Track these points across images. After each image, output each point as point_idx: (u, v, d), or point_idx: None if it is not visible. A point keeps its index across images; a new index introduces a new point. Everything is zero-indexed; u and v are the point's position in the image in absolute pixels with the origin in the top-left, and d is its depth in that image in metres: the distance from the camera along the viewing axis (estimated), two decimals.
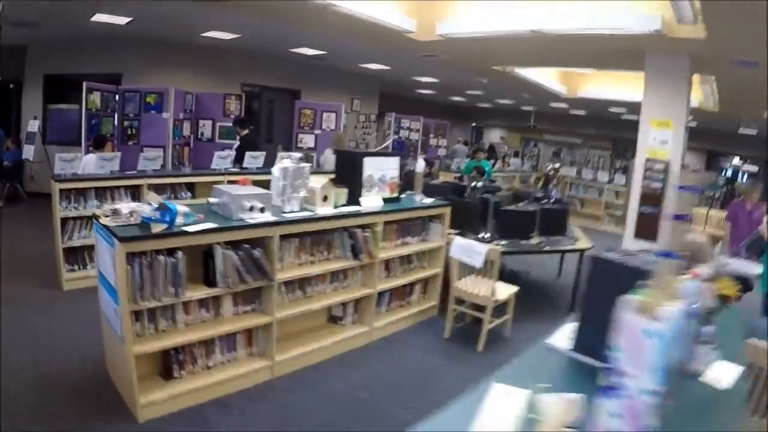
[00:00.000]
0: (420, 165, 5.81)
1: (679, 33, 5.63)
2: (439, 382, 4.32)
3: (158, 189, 6.23)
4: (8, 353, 4.07)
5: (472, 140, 18.92)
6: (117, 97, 8.06)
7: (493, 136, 20.01)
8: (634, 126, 15.40)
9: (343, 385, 4.14)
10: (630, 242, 6.86)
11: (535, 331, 5.41)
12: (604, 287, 1.87)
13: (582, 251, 6.13)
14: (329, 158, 8.03)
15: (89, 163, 6.15)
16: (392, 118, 11.56)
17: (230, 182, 6.52)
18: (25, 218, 8.69)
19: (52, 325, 4.71)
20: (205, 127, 8.78)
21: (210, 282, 3.61)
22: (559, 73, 11.20)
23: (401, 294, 5.40)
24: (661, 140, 6.82)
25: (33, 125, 9.56)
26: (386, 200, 5.02)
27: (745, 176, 16.20)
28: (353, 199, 4.71)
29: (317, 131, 9.50)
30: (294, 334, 4.45)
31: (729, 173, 16.91)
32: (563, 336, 2.42)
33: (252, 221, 3.72)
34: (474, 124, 20.40)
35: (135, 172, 6.20)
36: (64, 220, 5.59)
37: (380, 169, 4.97)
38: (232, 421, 3.51)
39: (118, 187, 5.96)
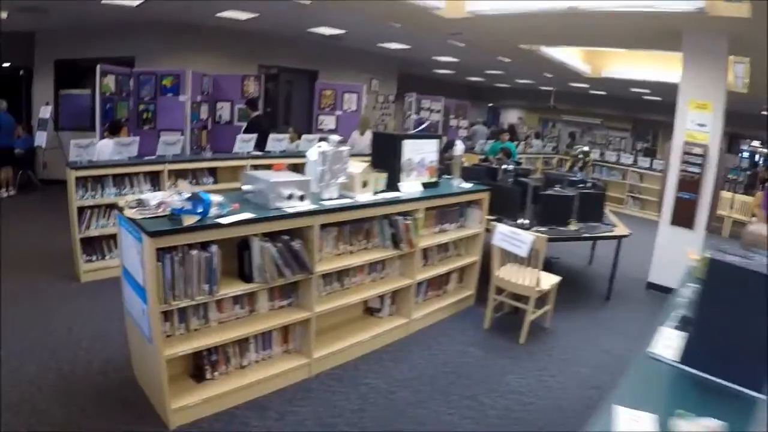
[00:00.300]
0: (459, 148, 5.38)
1: (722, 11, 5.24)
2: (483, 377, 4.01)
3: (179, 174, 5.89)
4: (27, 354, 3.78)
5: (490, 121, 18.38)
6: (132, 80, 7.65)
7: (511, 116, 19.42)
8: (655, 107, 15.16)
9: (384, 383, 3.82)
10: (666, 229, 6.49)
11: (573, 322, 5.14)
12: (726, 296, 1.80)
13: (620, 238, 5.82)
14: (357, 141, 7.64)
15: (105, 148, 5.80)
16: (413, 98, 11.08)
17: (254, 167, 6.20)
18: (39, 206, 8.37)
19: (72, 322, 4.38)
20: (224, 110, 8.38)
21: (245, 276, 3.25)
22: (584, 52, 10.67)
23: (438, 283, 5.06)
24: (698, 123, 6.39)
25: (45, 111, 9.20)
26: (425, 185, 4.64)
27: (762, 160, 15.62)
28: (392, 184, 4.34)
29: (338, 112, 9.08)
30: (329, 329, 4.11)
31: (748, 156, 16.28)
32: (664, 344, 2.12)
33: (291, 210, 3.33)
34: (490, 105, 19.81)
35: (154, 157, 5.83)
36: (81, 209, 5.26)
37: (419, 152, 4.59)
38: (270, 425, 3.20)
39: (137, 174, 5.62)
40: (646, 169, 11.66)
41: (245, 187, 3.51)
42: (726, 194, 10.63)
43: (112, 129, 6.54)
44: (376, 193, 4.14)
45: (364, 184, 4.03)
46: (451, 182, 5.11)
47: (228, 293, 3.15)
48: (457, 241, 5.10)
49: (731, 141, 15.93)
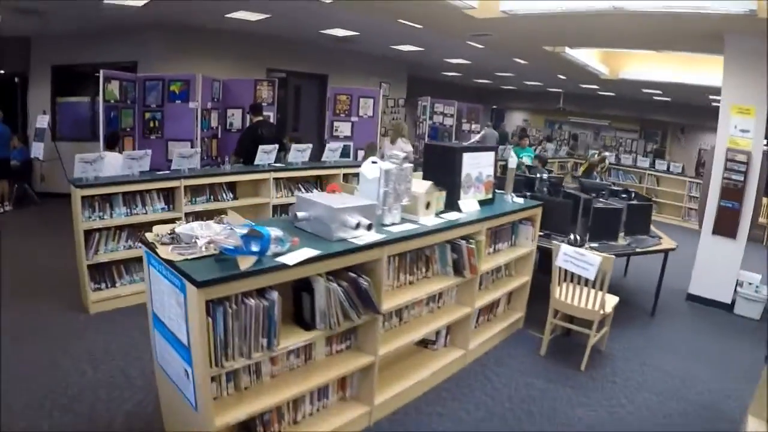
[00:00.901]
0: (513, 160, 4.79)
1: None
2: (552, 412, 3.54)
3: (195, 190, 5.25)
4: (34, 404, 3.15)
5: (494, 124, 17.81)
6: (136, 86, 6.97)
7: (516, 118, 18.82)
8: (664, 107, 14.70)
9: (453, 426, 3.28)
10: (708, 239, 6.04)
11: (624, 341, 4.69)
12: None
13: (667, 251, 5.39)
14: (387, 150, 7.04)
15: (112, 163, 5.13)
16: (428, 102, 10.47)
17: (276, 180, 5.56)
18: (37, 223, 7.66)
19: (85, 364, 3.74)
20: (234, 117, 7.70)
21: (304, 323, 2.62)
22: (601, 53, 10.17)
23: (488, 308, 4.49)
24: (742, 129, 5.95)
25: (42, 121, 8.48)
26: (481, 202, 4.05)
27: None
28: (451, 202, 3.75)
29: (353, 119, 8.43)
30: (383, 367, 3.48)
31: None
32: None
33: (360, 242, 2.71)
34: (494, 107, 19.24)
35: (168, 172, 5.17)
36: (88, 232, 4.57)
37: (477, 166, 4.03)
38: None
39: (149, 191, 4.94)
40: (662, 171, 11.16)
41: (300, 214, 2.88)
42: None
43: (110, 142, 5.93)
44: (437, 214, 3.54)
45: (428, 206, 3.41)
46: (503, 197, 4.50)
47: (288, 346, 2.51)
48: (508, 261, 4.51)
49: None
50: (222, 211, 5.54)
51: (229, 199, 5.49)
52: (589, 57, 9.68)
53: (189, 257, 2.27)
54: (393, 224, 3.17)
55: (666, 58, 9.61)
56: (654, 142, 15.79)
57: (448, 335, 4.03)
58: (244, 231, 2.30)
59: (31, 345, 3.94)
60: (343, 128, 8.51)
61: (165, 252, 2.34)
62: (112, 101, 6.51)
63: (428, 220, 3.38)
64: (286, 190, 5.99)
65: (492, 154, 4.24)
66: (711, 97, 11.98)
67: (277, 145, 5.93)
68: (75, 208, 4.50)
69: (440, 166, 3.81)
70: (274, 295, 2.33)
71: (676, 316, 5.60)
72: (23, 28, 8.22)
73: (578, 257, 4.00)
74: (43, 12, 7.15)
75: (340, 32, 8.97)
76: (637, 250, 5.24)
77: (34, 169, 9.02)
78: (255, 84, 7.70)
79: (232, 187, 5.55)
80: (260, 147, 5.66)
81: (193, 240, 2.44)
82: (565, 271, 4.10)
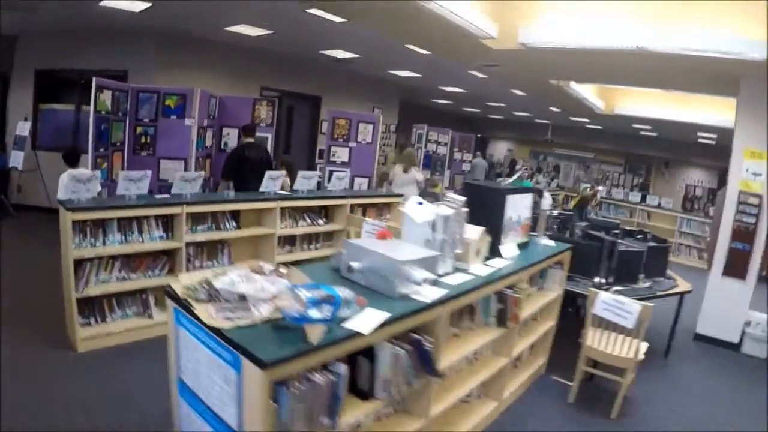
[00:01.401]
0: (547, 202, 4.51)
1: None
2: None
3: (197, 218, 4.77)
4: None
5: (478, 152, 17.66)
6: (129, 97, 6.46)
7: (500, 147, 18.74)
8: (649, 142, 14.80)
9: None
10: (717, 280, 5.97)
11: (645, 384, 4.44)
12: None
13: (682, 294, 5.26)
14: (397, 179, 6.71)
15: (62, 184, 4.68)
16: (424, 130, 10.19)
17: (282, 210, 5.10)
18: (14, 239, 6.99)
19: (77, 411, 3.24)
20: (230, 137, 7.25)
21: (361, 392, 2.21)
22: (597, 88, 10.11)
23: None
24: (754, 172, 5.90)
25: (23, 128, 7.86)
26: (518, 246, 3.73)
27: None
28: (493, 248, 3.41)
29: (352, 144, 8.08)
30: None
31: None
32: None
33: (425, 299, 2.32)
34: (479, 135, 19.15)
35: (167, 196, 4.70)
36: (78, 262, 4.05)
37: (516, 208, 3.73)
38: None
39: (147, 217, 4.45)
40: (654, 207, 11.12)
41: (355, 265, 2.48)
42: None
43: (70, 159, 5.27)
44: (484, 261, 3.20)
45: (477, 252, 3.07)
46: (535, 240, 4.20)
47: (350, 420, 2.09)
48: None
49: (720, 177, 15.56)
50: (225, 241, 5.14)
51: (232, 228, 5.03)
52: (587, 92, 9.60)
53: (241, 324, 1.85)
54: (446, 274, 2.81)
55: (659, 94, 9.61)
56: (638, 176, 15.89)
57: (481, 386, 3.66)
58: (312, 294, 1.89)
59: (13, 387, 3.40)
60: (341, 153, 8.15)
61: (207, 315, 1.91)
62: (104, 112, 5.98)
63: (478, 268, 3.04)
64: (291, 219, 5.56)
65: (530, 196, 3.98)
66: (699, 134, 12.12)
67: (283, 173, 5.50)
68: (64, 234, 4.00)
69: (482, 208, 3.47)
70: (342, 368, 1.92)
71: (688, 357, 5.53)
72: (9, 25, 7.62)
73: (618, 305, 3.77)
74: (33, 8, 6.61)
75: (340, 53, 8.66)
76: (659, 293, 5.05)
77: (10, 179, 8.34)
78: (254, 103, 7.28)
79: (235, 215, 5.08)
80: (267, 173, 5.23)
81: (235, 296, 2.03)
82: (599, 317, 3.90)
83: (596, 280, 4.79)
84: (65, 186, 4.75)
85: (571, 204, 10.68)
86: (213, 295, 2.07)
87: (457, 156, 11.43)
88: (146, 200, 4.46)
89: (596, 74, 7.86)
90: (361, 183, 7.84)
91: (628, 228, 6.63)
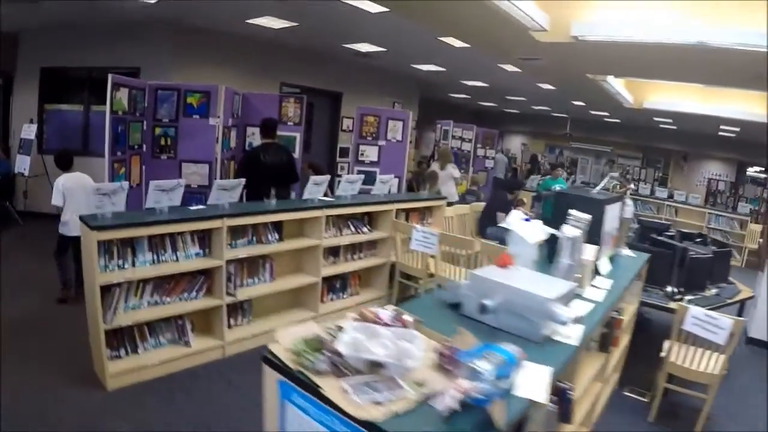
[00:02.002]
0: (630, 209, 3.84)
1: None
2: None
3: (236, 231, 4.05)
4: None
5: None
6: (146, 96, 5.70)
7: (514, 142, 17.99)
8: (668, 135, 14.15)
9: None
10: None
11: (717, 395, 3.79)
12: None
13: (743, 301, 4.89)
14: (440, 176, 6.02)
15: (73, 189, 4.45)
16: (450, 126, 9.48)
17: (329, 219, 4.39)
18: (22, 249, 6.27)
19: None
20: (255, 137, 6.47)
21: None
22: (626, 82, 9.44)
23: None
24: None
25: (28, 131, 7.09)
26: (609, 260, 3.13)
27: None
28: None
29: (381, 142, 7.37)
30: None
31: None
32: None
33: (570, 342, 1.84)
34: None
35: (203, 207, 3.99)
36: (106, 288, 3.34)
37: (610, 219, 3.07)
38: None
39: (181, 233, 3.73)
40: (682, 203, 10.48)
41: (490, 304, 1.80)
42: (755, 227, 9.65)
43: (62, 162, 4.73)
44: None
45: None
46: (619, 252, 3.56)
47: None
48: None
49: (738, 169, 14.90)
50: (267, 256, 4.45)
51: (274, 240, 4.32)
52: (620, 86, 8.94)
53: (397, 409, 1.18)
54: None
55: (685, 88, 9.02)
56: (656, 170, 15.22)
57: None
58: (491, 363, 1.23)
59: None
60: (369, 152, 7.42)
61: (344, 399, 1.27)
62: (120, 112, 5.24)
63: (591, 292, 2.43)
64: (334, 228, 4.85)
65: (618, 205, 3.34)
66: (722, 127, 11.48)
67: (327, 177, 4.75)
68: (88, 257, 3.30)
69: None
70: None
71: (747, 363, 5.10)
72: (11, 21, 6.83)
73: (709, 320, 3.32)
74: (35, 1, 5.83)
75: (365, 47, 7.92)
76: (728, 301, 4.61)
77: (16, 185, 7.56)
78: (280, 100, 6.53)
79: (277, 226, 4.36)
80: (311, 179, 4.50)
81: (367, 363, 1.36)
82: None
83: (668, 289, 4.28)
84: (61, 192, 4.52)
85: None
86: (337, 364, 1.41)
87: (480, 152, 10.71)
88: (181, 214, 3.75)
89: (636, 69, 7.35)
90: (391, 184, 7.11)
91: (685, 231, 5.99)
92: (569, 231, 2.35)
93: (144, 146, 5.80)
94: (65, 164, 4.74)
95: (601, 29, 5.47)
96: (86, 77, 7.74)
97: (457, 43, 6.93)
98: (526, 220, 2.70)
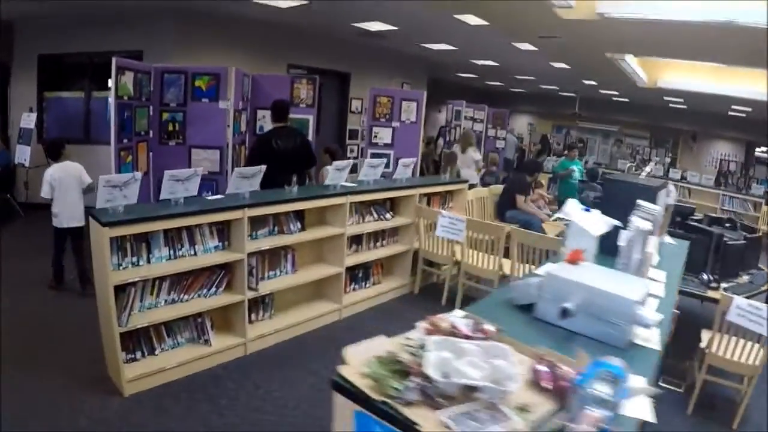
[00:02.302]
0: (673, 195, 3.53)
1: None
2: None
3: (257, 221, 3.71)
4: None
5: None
6: (152, 80, 5.30)
7: (520, 122, 17.46)
8: (677, 114, 13.72)
9: None
10: None
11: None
12: None
13: None
14: (461, 160, 5.66)
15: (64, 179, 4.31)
16: (462, 106, 9.07)
17: (354, 205, 4.04)
18: (25, 245, 5.93)
19: None
20: (265, 120, 6.06)
21: None
22: (640, 61, 9.04)
23: None
24: None
25: (28, 119, 6.70)
26: None
27: None
28: None
29: (395, 124, 6.97)
30: None
31: None
32: None
33: (654, 347, 1.63)
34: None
35: (221, 197, 3.64)
36: (120, 287, 3.01)
37: (660, 206, 2.78)
38: None
39: (198, 225, 3.39)
40: (694, 184, 10.14)
41: (571, 307, 1.51)
42: None
43: (53, 151, 4.58)
44: None
45: None
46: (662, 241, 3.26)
47: None
48: None
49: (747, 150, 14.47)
50: (289, 247, 4.12)
51: (296, 230, 3.99)
52: (636, 65, 8.55)
53: None
54: None
55: (699, 67, 8.64)
56: (665, 150, 14.81)
57: None
58: (609, 386, 1.04)
59: None
60: (383, 134, 7.04)
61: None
62: (126, 98, 4.85)
63: (654, 287, 2.14)
64: (357, 215, 4.50)
65: (664, 191, 3.06)
66: (733, 107, 11.10)
67: (349, 163, 4.37)
68: (99, 254, 2.97)
69: (624, 207, 2.44)
70: None
71: None
72: (6, 9, 6.39)
73: (752, 310, 3.11)
74: None
75: (376, 26, 7.49)
76: (762, 288, 4.30)
77: (17, 176, 7.18)
78: (292, 81, 6.12)
79: (298, 215, 4.02)
80: (334, 164, 4.16)
81: (461, 388, 1.07)
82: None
83: (704, 277, 4.01)
84: (49, 183, 4.38)
85: None
86: (429, 392, 1.11)
87: (491, 133, 10.32)
88: (199, 205, 3.40)
89: (668, 48, 7.02)
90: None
91: (713, 215, 5.69)
92: (641, 223, 2.03)
93: (151, 132, 5.41)
94: (55, 154, 4.55)
95: (628, 7, 5.21)
96: (86, 63, 7.32)
97: (473, 21, 6.53)
98: (586, 210, 2.38)
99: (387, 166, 6.38)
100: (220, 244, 3.56)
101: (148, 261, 3.24)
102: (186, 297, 3.43)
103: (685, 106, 12.47)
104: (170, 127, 5.46)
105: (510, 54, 8.69)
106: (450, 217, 4.76)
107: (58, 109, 7.51)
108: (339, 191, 4.15)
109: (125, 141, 4.97)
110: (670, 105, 12.53)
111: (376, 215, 4.72)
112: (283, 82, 6.16)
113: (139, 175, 3.19)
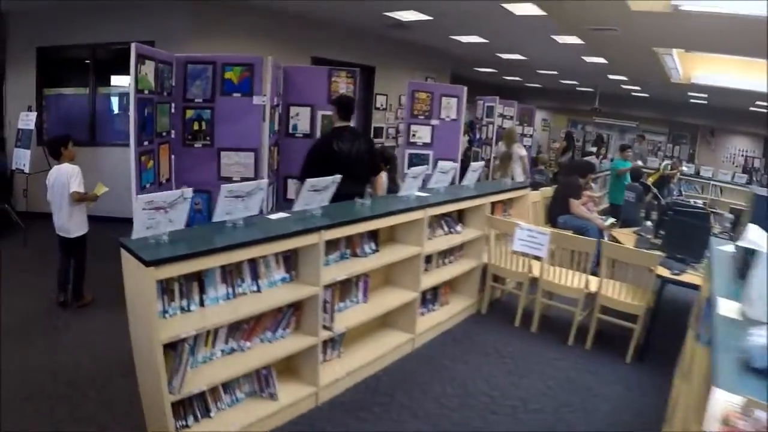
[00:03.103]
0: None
1: None
2: None
3: (327, 245, 2.84)
4: None
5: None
6: (174, 72, 4.40)
7: (534, 118, 16.57)
8: (696, 109, 13.01)
9: None
10: None
11: None
12: None
13: None
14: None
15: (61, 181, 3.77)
16: (495, 102, 8.22)
17: (435, 219, 3.21)
18: (26, 259, 5.03)
19: None
20: (299, 118, 5.22)
21: None
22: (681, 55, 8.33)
23: None
24: None
25: (26, 120, 5.72)
26: None
27: None
28: None
29: (434, 121, 6.14)
30: None
31: None
32: None
33: None
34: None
35: (284, 215, 2.78)
36: (170, 345, 2.16)
37: None
38: None
39: (263, 256, 2.54)
40: (727, 183, 9.46)
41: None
42: None
43: (53, 150, 4.07)
44: None
45: None
46: None
47: None
48: None
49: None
50: (365, 276, 3.22)
51: (371, 251, 3.15)
52: (676, 60, 7.85)
53: None
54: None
55: (729, 62, 7.95)
56: (683, 145, 14.14)
57: None
58: None
59: None
60: (422, 133, 6.20)
61: None
62: (146, 92, 3.95)
63: None
64: (429, 230, 3.66)
65: None
66: (757, 102, 10.44)
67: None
68: (141, 303, 2.13)
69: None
70: None
71: None
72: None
73: None
74: None
75: (410, 15, 6.64)
76: None
77: (14, 183, 6.21)
78: (329, 74, 5.23)
79: (372, 233, 3.17)
80: (410, 170, 3.32)
81: None
82: None
83: None
84: (46, 186, 3.96)
85: (649, 181, 8.95)
86: None
87: (518, 130, 9.48)
88: (265, 230, 2.53)
89: (717, 44, 6.35)
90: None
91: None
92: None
93: (173, 133, 4.51)
94: (55, 153, 4.07)
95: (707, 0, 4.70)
96: (90, 56, 6.36)
97: (522, 11, 5.77)
98: None
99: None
100: (287, 275, 2.71)
101: (201, 303, 2.39)
102: (247, 344, 2.58)
103: (706, 102, 11.78)
104: (195, 126, 4.56)
105: (543, 47, 7.92)
106: (530, 229, 3.98)
107: (60, 108, 6.55)
108: (415, 204, 3.30)
109: (145, 143, 4.07)
110: (691, 100, 11.84)
111: (446, 228, 3.89)
112: (320, 75, 5.26)
113: (189, 192, 2.31)
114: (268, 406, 2.67)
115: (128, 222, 2.21)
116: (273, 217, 2.71)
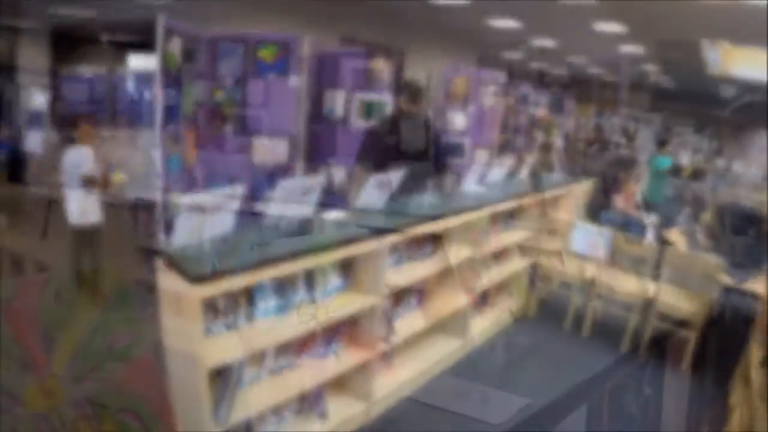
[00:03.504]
0: None
1: None
2: None
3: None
4: None
5: None
6: (201, 49, 4.01)
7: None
8: (726, 102, 12.46)
9: None
10: None
11: None
12: None
13: None
14: None
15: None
16: (529, 91, 7.81)
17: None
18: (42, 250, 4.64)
19: None
20: (335, 102, 4.81)
21: None
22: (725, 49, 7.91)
23: None
24: None
25: (39, 99, 5.35)
26: None
27: None
28: None
29: (472, 108, 5.73)
30: None
31: None
32: None
33: None
34: None
35: (342, 213, 2.39)
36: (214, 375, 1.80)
37: None
38: None
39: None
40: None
41: None
42: None
43: (66, 130, 4.07)
44: None
45: None
46: None
47: None
48: None
49: None
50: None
51: (428, 253, 2.75)
52: (720, 53, 7.41)
53: None
54: None
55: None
56: (711, 138, 13.67)
57: None
58: None
59: None
60: (458, 121, 5.79)
61: None
62: (174, 71, 3.55)
63: None
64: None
65: None
66: None
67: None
68: (185, 322, 1.71)
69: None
70: None
71: None
72: None
73: None
74: None
75: None
76: None
77: (26, 167, 5.86)
78: (366, 57, 4.80)
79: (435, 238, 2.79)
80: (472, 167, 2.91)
81: None
82: None
83: None
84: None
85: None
86: None
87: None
88: (324, 234, 2.14)
89: None
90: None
91: None
92: None
93: (199, 115, 4.13)
94: (68, 135, 3.98)
95: None
96: (102, 32, 5.95)
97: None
98: None
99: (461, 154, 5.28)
100: (342, 281, 2.33)
101: (250, 318, 2.01)
102: (298, 361, 2.22)
103: (734, 93, 11.30)
104: (226, 111, 4.17)
105: (579, 34, 7.45)
106: (589, 228, 3.64)
107: (74, 88, 6.15)
108: (477, 201, 2.91)
109: (170, 127, 3.70)
110: (722, 93, 11.36)
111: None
112: (357, 57, 4.86)
113: (239, 191, 1.92)
114: (317, 426, 2.33)
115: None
116: (329, 216, 2.32)
